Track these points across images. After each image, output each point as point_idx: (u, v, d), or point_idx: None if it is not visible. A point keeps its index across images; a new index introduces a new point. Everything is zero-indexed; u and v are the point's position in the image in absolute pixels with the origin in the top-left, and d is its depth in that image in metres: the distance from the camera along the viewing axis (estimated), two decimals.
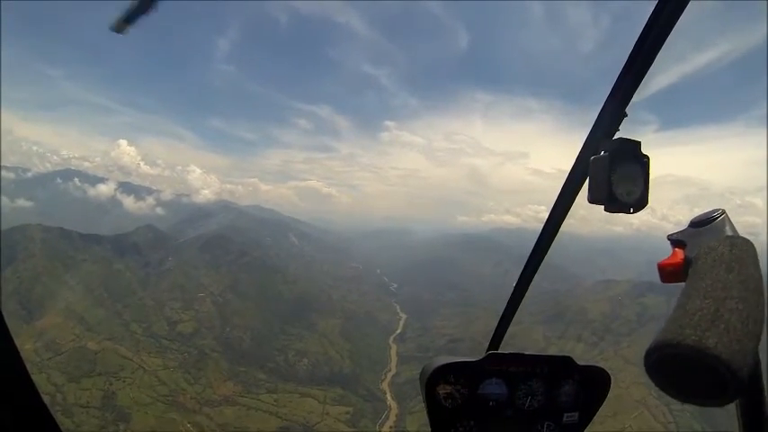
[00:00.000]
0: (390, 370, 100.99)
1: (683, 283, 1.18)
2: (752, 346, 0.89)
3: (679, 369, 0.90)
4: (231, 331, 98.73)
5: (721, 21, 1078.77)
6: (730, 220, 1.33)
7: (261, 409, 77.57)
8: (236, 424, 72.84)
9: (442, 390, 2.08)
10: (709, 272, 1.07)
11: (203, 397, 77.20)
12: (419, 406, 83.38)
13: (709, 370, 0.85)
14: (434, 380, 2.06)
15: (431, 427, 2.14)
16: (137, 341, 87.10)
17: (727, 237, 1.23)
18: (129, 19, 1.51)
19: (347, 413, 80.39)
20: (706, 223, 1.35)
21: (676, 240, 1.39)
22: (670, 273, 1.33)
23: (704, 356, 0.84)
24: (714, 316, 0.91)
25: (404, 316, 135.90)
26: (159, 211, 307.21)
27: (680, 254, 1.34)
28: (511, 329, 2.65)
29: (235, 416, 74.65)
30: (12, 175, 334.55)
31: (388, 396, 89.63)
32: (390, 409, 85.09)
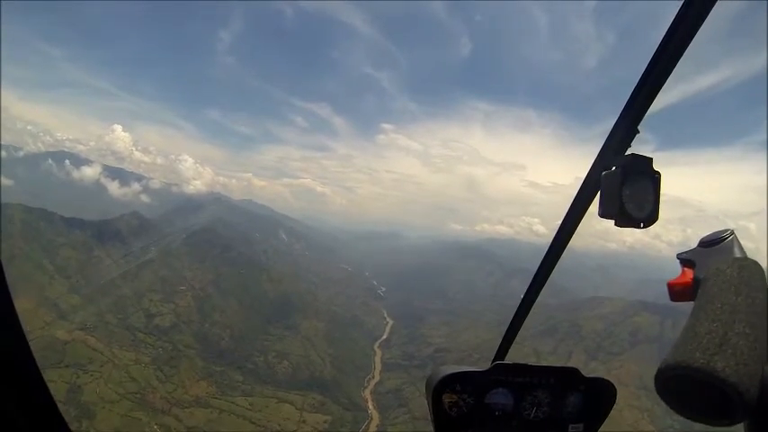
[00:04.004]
0: (374, 377, 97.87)
1: (683, 302, 1.27)
2: (759, 369, 0.92)
3: (688, 390, 0.93)
4: (210, 328, 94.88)
5: (725, 44, 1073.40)
6: (739, 241, 1.36)
7: (234, 412, 73.45)
8: (206, 428, 68.84)
9: (448, 399, 2.11)
10: (718, 294, 1.09)
11: (174, 397, 73.11)
12: (402, 417, 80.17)
13: (718, 392, 0.88)
14: (441, 388, 2.10)
15: None
16: (110, 333, 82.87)
17: (736, 259, 1.25)
18: None
19: (325, 422, 76.58)
20: (715, 243, 1.37)
21: (686, 260, 1.42)
22: (679, 292, 1.37)
23: (712, 379, 0.88)
24: (722, 339, 0.94)
25: (391, 321, 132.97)
26: (144, 198, 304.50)
27: (689, 274, 1.37)
28: None
29: (206, 419, 70.55)
30: (3, 154, 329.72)
31: (370, 405, 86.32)
32: (371, 419, 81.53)
